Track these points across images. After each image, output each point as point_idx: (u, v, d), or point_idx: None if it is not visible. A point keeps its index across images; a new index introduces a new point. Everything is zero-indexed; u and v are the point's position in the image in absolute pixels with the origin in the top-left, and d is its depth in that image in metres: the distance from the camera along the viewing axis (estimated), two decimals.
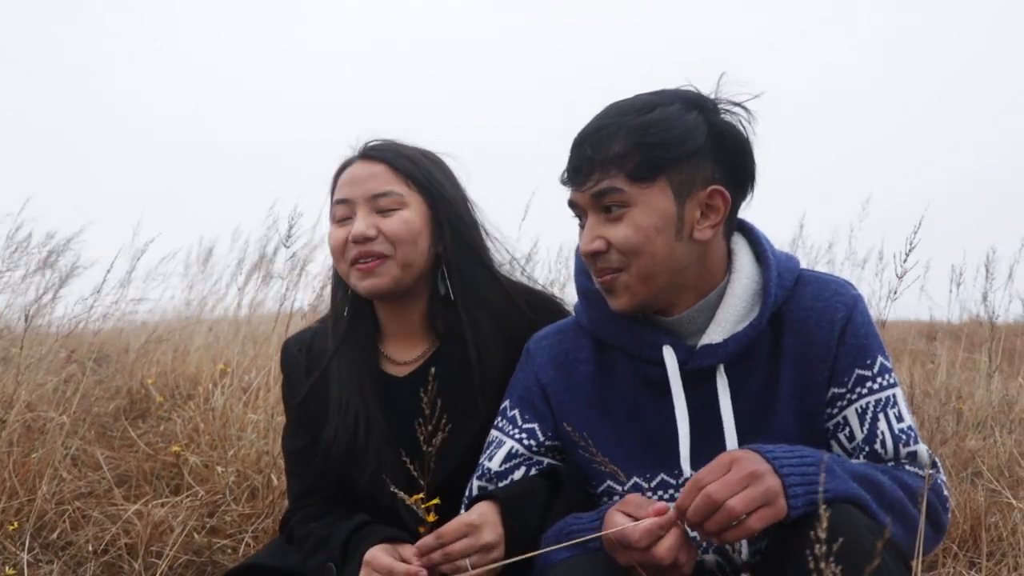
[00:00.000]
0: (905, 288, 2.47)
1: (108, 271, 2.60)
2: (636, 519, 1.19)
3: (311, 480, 1.66)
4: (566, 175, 1.36)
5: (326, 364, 1.64)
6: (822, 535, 0.94)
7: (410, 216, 1.58)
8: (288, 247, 2.85)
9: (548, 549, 1.29)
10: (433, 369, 1.45)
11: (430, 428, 1.38)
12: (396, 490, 1.39)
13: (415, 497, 1.37)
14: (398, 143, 1.66)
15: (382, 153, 1.62)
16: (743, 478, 1.12)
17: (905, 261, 2.34)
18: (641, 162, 1.29)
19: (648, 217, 1.30)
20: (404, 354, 1.66)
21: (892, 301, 2.59)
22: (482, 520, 1.33)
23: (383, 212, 1.57)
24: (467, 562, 1.30)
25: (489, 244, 1.69)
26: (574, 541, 1.26)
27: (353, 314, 1.66)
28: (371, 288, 1.57)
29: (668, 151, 1.29)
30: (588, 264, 1.36)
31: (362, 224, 1.55)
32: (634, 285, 1.32)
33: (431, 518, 1.39)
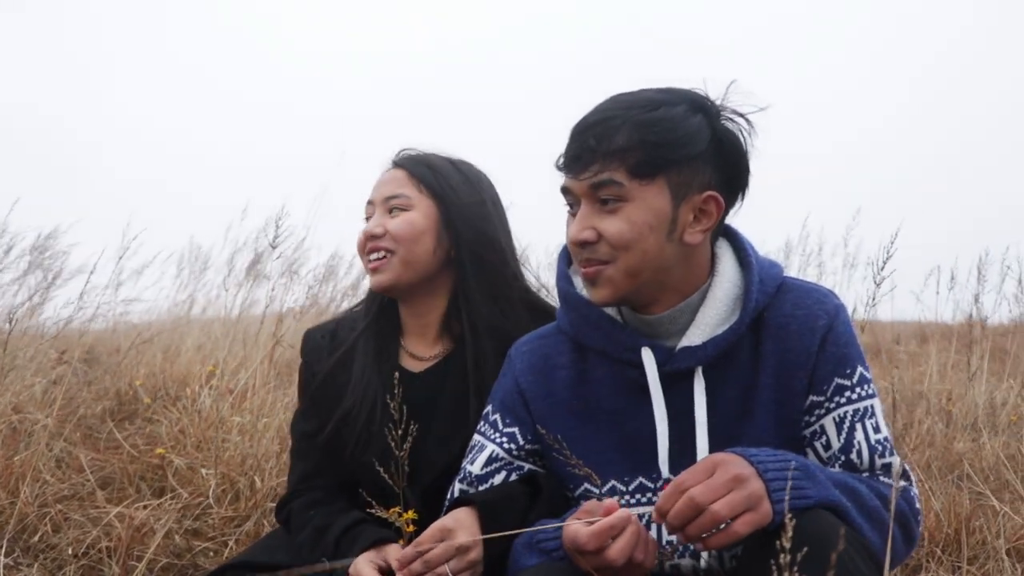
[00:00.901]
0: (883, 295, 2.49)
1: (91, 272, 2.60)
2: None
3: (315, 463, 1.71)
4: (564, 162, 1.34)
5: (352, 342, 1.72)
6: (787, 544, 0.93)
7: (414, 217, 1.66)
8: (275, 247, 2.85)
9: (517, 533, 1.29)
10: (398, 375, 1.49)
11: (400, 433, 1.41)
12: (374, 509, 1.43)
13: (392, 510, 1.39)
14: (426, 153, 1.75)
15: (404, 161, 1.73)
16: (727, 482, 1.11)
17: (883, 268, 2.36)
18: (644, 159, 1.28)
19: (643, 214, 1.29)
20: (422, 351, 1.72)
21: (871, 307, 2.60)
22: (456, 524, 1.34)
23: (393, 213, 1.67)
24: (446, 568, 1.30)
25: (507, 255, 1.72)
26: (531, 529, 1.26)
27: (381, 307, 1.74)
28: (377, 283, 1.67)
29: (671, 151, 1.29)
30: (574, 253, 1.35)
31: (372, 223, 1.68)
32: (618, 279, 1.31)
33: (410, 529, 1.40)
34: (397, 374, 1.49)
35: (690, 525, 1.11)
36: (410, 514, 1.41)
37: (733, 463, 1.13)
